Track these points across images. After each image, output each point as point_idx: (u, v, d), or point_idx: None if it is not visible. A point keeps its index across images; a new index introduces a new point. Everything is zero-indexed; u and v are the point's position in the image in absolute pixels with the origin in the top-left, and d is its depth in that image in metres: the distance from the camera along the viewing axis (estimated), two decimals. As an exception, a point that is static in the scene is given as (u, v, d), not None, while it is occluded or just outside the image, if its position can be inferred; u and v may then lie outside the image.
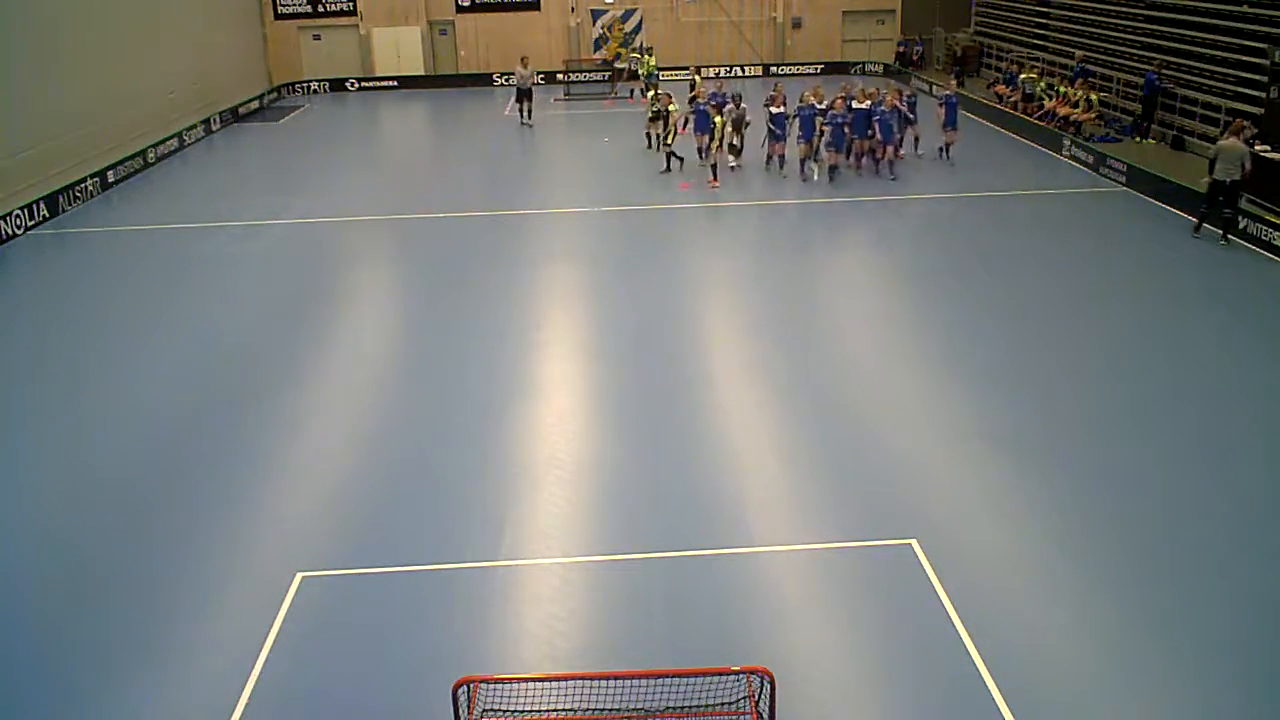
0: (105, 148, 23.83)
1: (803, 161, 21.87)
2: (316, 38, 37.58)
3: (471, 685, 6.48)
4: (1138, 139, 23.73)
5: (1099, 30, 28.26)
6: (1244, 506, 9.53)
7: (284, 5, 36.88)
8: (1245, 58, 21.60)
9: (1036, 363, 12.74)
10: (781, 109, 21.83)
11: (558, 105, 33.34)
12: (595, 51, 37.90)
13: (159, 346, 14.03)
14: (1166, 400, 11.66)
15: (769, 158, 22.38)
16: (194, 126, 28.83)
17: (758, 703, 6.47)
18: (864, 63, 38.19)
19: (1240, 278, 15.71)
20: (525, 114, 29.04)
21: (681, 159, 22.99)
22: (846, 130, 21.40)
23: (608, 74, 36.60)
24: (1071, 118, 24.68)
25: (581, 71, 37.11)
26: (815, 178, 21.45)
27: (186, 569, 8.99)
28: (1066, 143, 23.49)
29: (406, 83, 37.29)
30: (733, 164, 22.28)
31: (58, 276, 17.56)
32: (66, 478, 10.61)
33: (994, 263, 16.55)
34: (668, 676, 6.51)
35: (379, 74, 37.57)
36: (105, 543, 9.44)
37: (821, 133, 21.46)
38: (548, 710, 6.59)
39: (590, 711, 6.53)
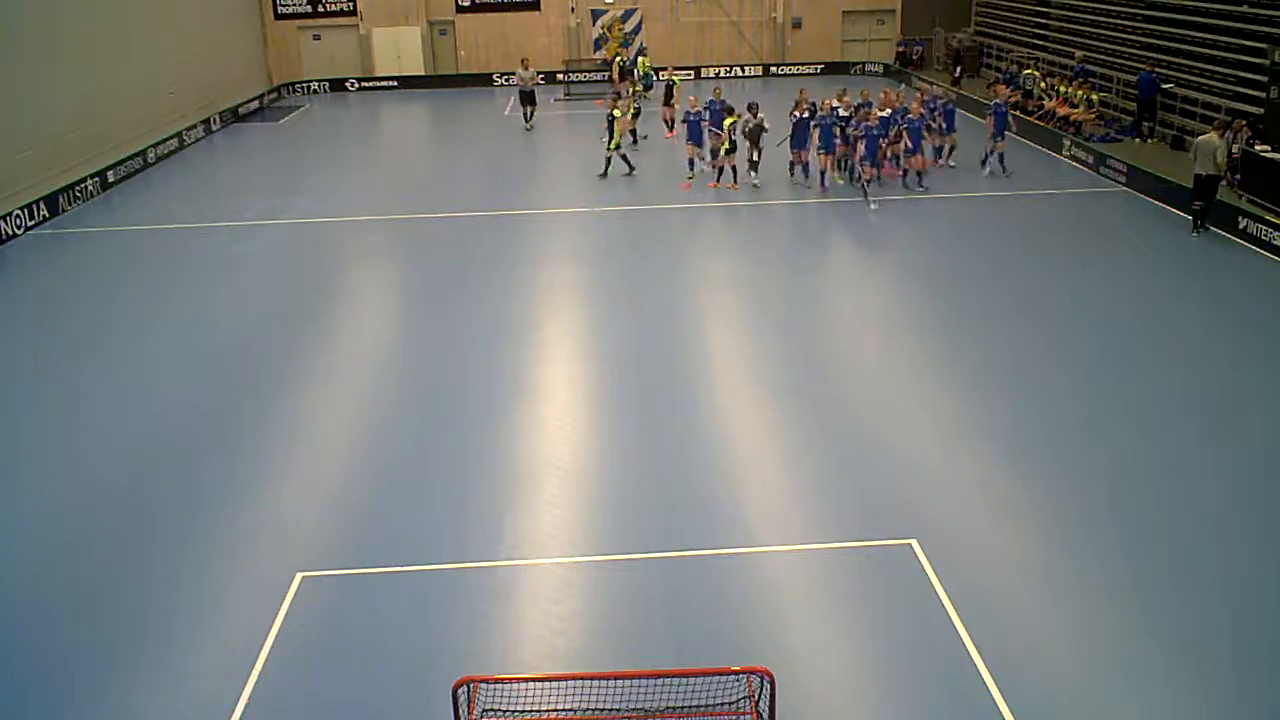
0: (105, 148, 23.83)
1: (822, 173, 20.75)
2: (316, 38, 37.58)
3: (471, 685, 6.48)
4: (1138, 139, 23.72)
5: (1099, 30, 28.26)
6: (1244, 506, 9.53)
7: (284, 5, 36.88)
8: (1245, 58, 21.60)
9: (1037, 362, 12.74)
10: (804, 115, 20.86)
11: (558, 105, 33.34)
12: (595, 51, 37.88)
13: (159, 347, 14.04)
14: (1166, 400, 11.66)
15: (792, 165, 21.52)
16: (194, 126, 28.83)
17: (758, 703, 6.47)
18: (864, 63, 38.19)
19: (1240, 277, 15.71)
20: (527, 117, 28.77)
21: (632, 167, 22.48)
22: (882, 143, 20.46)
23: (608, 74, 36.57)
24: (1071, 118, 24.67)
25: (582, 71, 37.10)
26: (870, 205, 19.51)
27: (186, 569, 8.99)
28: (1066, 143, 23.49)
29: (406, 83, 37.28)
30: (754, 180, 20.91)
31: (58, 276, 17.56)
32: (66, 477, 10.62)
33: (994, 262, 16.55)
34: (668, 676, 6.51)
35: (379, 74, 37.56)
36: (105, 542, 9.45)
37: (835, 141, 20.30)
38: (548, 710, 6.60)
39: (590, 711, 6.53)
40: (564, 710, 6.57)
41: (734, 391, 12.28)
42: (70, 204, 21.50)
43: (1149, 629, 7.96)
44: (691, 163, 21.90)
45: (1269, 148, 18.34)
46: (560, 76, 36.87)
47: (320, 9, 37.11)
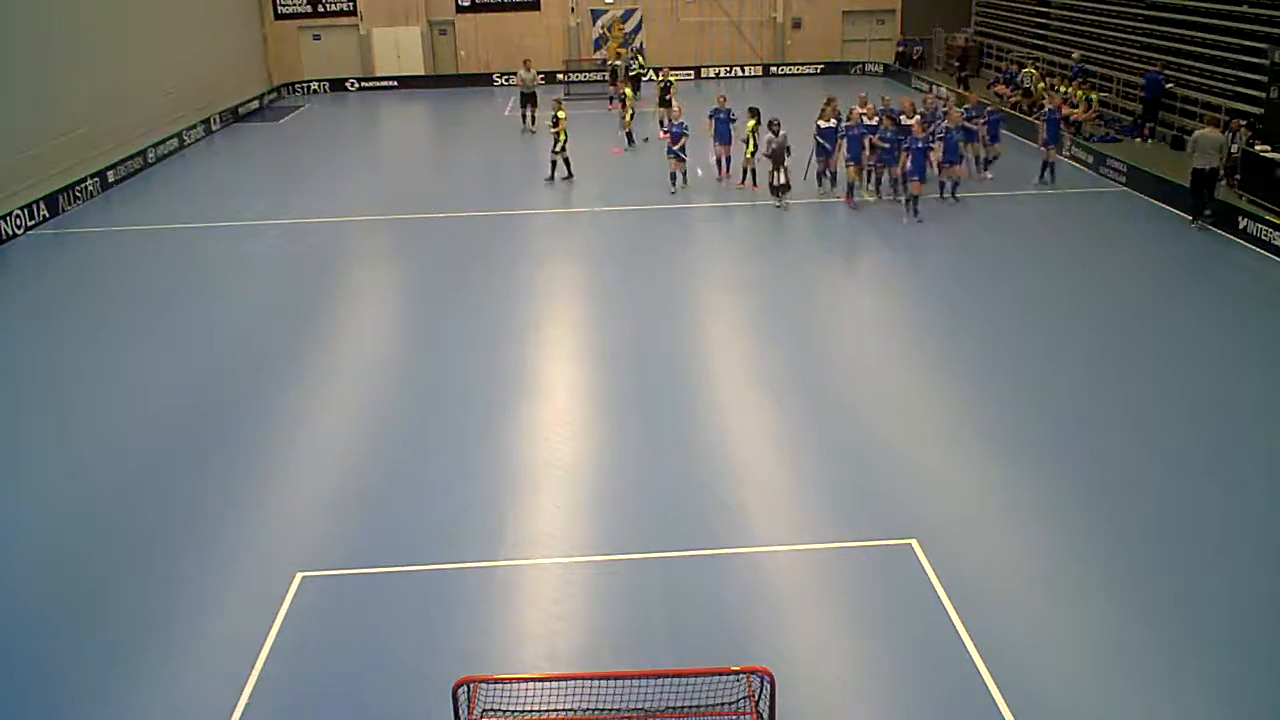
0: (105, 148, 23.83)
1: (851, 186, 19.61)
2: (316, 38, 37.57)
3: (471, 685, 6.48)
4: (1139, 139, 23.72)
5: (1099, 30, 28.26)
6: (1243, 506, 9.53)
7: (284, 5, 36.88)
8: (1245, 58, 21.60)
9: (1036, 362, 12.74)
10: (832, 123, 19.77)
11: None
12: (595, 51, 37.88)
13: (159, 346, 14.04)
14: (1166, 400, 11.66)
15: (820, 175, 20.42)
16: (194, 126, 28.83)
17: (758, 703, 6.47)
18: (864, 63, 38.19)
19: (1240, 278, 15.70)
20: (529, 120, 28.50)
21: (570, 173, 22.09)
22: (898, 153, 19.03)
23: (608, 74, 36.58)
24: (1071, 118, 24.66)
25: (582, 72, 37.09)
26: (905, 220, 18.48)
27: (187, 569, 9.00)
28: (1066, 142, 23.48)
29: (406, 83, 37.27)
30: (778, 204, 19.26)
31: (58, 276, 17.56)
32: (66, 478, 10.62)
33: (994, 262, 16.55)
34: (668, 676, 6.51)
35: (379, 74, 37.56)
36: (105, 543, 9.45)
37: (866, 150, 19.21)
38: (548, 710, 6.60)
39: (590, 711, 6.53)
40: (564, 710, 6.58)
41: (734, 391, 12.28)
42: (70, 204, 21.50)
43: (1149, 628, 7.95)
44: (674, 177, 20.88)
45: (1269, 148, 18.34)
46: (560, 76, 36.87)
47: (320, 9, 37.11)
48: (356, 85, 37.37)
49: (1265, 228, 16.61)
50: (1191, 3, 24.23)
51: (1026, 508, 9.62)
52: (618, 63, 33.42)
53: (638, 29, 38.09)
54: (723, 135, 20.97)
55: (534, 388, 12.54)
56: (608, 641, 7.98)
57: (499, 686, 6.81)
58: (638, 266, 16.85)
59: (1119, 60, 26.65)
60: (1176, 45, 24.23)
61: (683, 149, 20.58)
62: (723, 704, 6.67)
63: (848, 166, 19.51)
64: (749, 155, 20.57)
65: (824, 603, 8.44)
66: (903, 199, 18.97)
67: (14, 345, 14.47)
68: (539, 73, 30.55)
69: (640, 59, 34.47)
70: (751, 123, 20.40)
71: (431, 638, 8.04)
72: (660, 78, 27.97)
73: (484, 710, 6.69)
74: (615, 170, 23.26)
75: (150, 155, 25.69)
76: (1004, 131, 21.67)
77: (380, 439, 11.32)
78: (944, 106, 21.00)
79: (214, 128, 30.23)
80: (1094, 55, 27.93)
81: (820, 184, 20.47)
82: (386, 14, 37.20)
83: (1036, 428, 11.07)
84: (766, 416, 11.64)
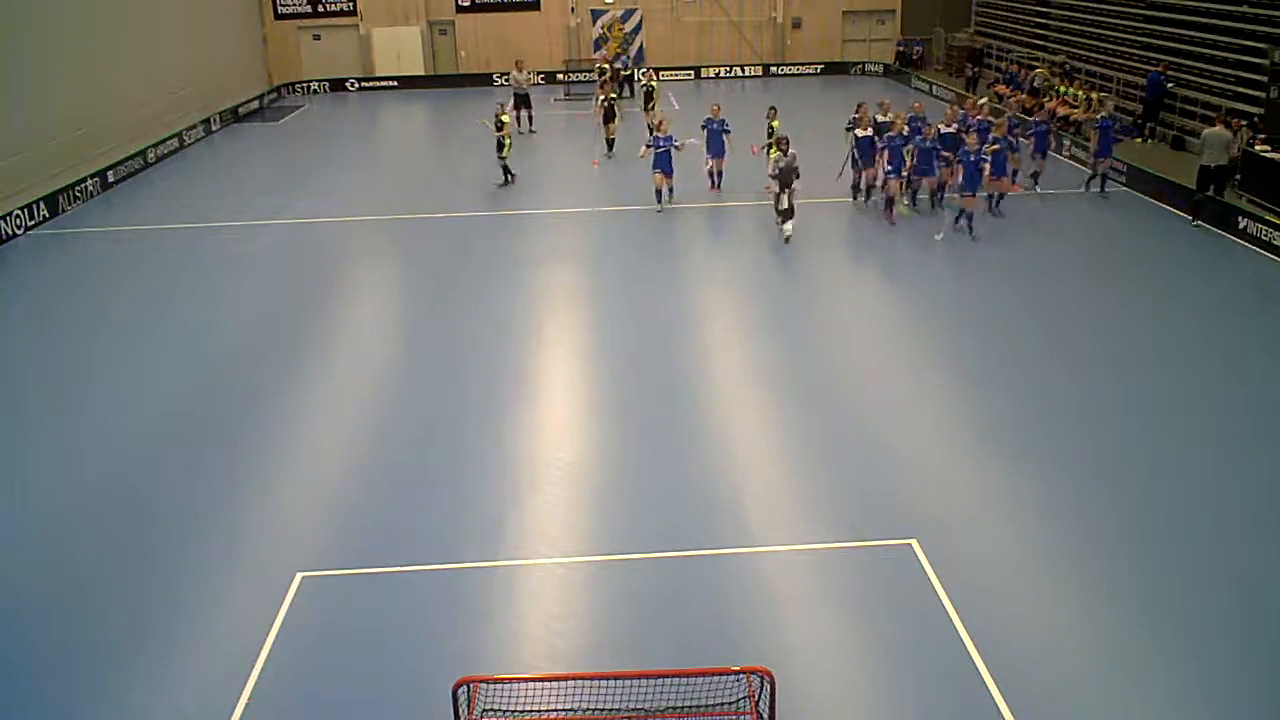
0: (105, 148, 23.82)
1: (890, 200, 18.58)
2: (316, 38, 37.57)
3: (471, 685, 6.48)
4: (1139, 139, 23.72)
5: (1099, 30, 28.27)
6: (1245, 505, 9.53)
7: (284, 5, 36.87)
8: (1245, 58, 21.61)
9: (1037, 362, 12.74)
10: (868, 132, 18.84)
11: (558, 106, 33.32)
12: (595, 52, 37.86)
13: (159, 346, 14.03)
14: (1167, 399, 11.66)
15: (855, 189, 19.56)
16: (194, 126, 28.82)
17: (758, 703, 6.47)
18: (864, 63, 38.19)
19: (1240, 277, 15.71)
20: (528, 121, 28.29)
21: (512, 177, 21.75)
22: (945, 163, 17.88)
23: (596, 77, 36.59)
24: (1071, 118, 24.67)
25: (581, 72, 37.09)
26: (939, 236, 17.50)
27: (187, 569, 9.00)
28: (1066, 142, 23.48)
29: (406, 83, 37.27)
30: (786, 232, 17.43)
31: (58, 276, 17.56)
32: (66, 478, 10.61)
33: (992, 262, 16.53)
34: (668, 676, 6.51)
35: (379, 74, 37.55)
36: (106, 543, 9.45)
37: (910, 161, 18.19)
38: (548, 710, 6.60)
39: (590, 711, 6.53)
40: (564, 710, 6.58)
41: (734, 391, 12.28)
42: (70, 204, 21.50)
43: (1150, 628, 7.96)
44: (659, 194, 19.50)
45: (1269, 148, 18.35)
46: (560, 77, 36.87)
47: (320, 9, 37.10)
48: (356, 85, 37.36)
49: (1265, 228, 16.61)
50: (1191, 3, 24.23)
51: (1027, 508, 9.62)
52: (605, 65, 32.22)
53: (637, 29, 38.09)
54: (715, 147, 19.92)
55: (534, 387, 12.54)
56: (608, 641, 7.98)
57: (499, 686, 6.81)
58: (638, 266, 16.84)
59: (1119, 60, 26.66)
60: (1176, 45, 24.24)
61: (669, 164, 19.22)
62: (723, 704, 6.67)
63: (888, 179, 18.40)
64: (771, 153, 19.86)
65: (824, 603, 8.44)
66: (953, 215, 17.74)
67: (14, 345, 14.46)
68: (537, 73, 30.44)
69: (626, 56, 34.18)
70: (776, 123, 20.00)
71: (431, 638, 8.04)
72: (643, 82, 27.11)
73: (484, 710, 6.69)
74: (614, 169, 23.19)
75: (150, 155, 25.68)
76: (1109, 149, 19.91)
77: (380, 439, 11.32)
78: (975, 115, 19.75)
79: (214, 128, 30.23)
80: (1094, 55, 27.95)
81: (856, 197, 19.61)
82: (386, 14, 37.20)
83: (1037, 427, 11.07)
84: (767, 416, 11.64)
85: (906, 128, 18.47)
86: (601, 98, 24.12)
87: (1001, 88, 29.69)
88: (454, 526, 9.52)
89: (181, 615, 8.39)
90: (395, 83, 37.28)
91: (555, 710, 6.59)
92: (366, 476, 10.49)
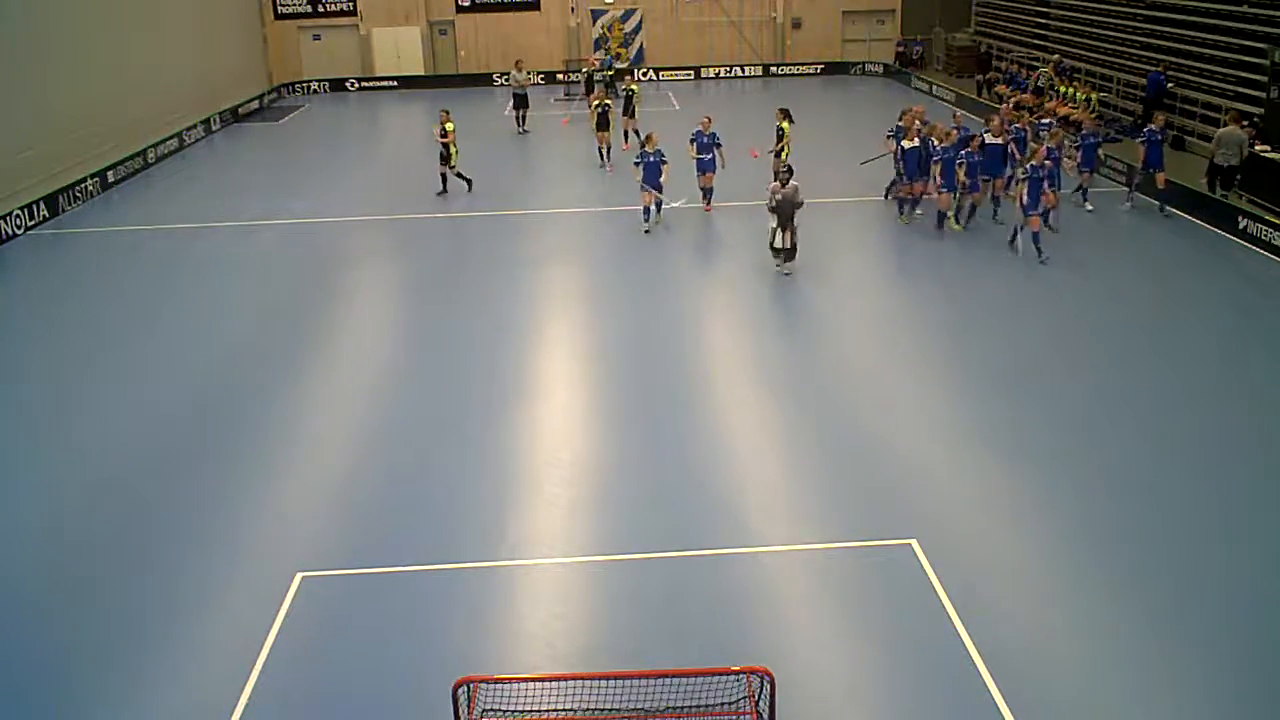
0: (105, 148, 23.82)
1: (941, 215, 17.68)
2: (316, 38, 37.58)
3: (471, 685, 6.47)
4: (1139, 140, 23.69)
5: (1099, 30, 28.26)
6: (1246, 505, 9.52)
7: (284, 5, 36.88)
8: (1245, 58, 21.60)
9: (1037, 362, 12.74)
10: (915, 144, 17.98)
11: (558, 105, 33.31)
12: (595, 51, 37.85)
13: (158, 346, 14.03)
14: (1167, 399, 11.66)
15: (901, 203, 18.52)
16: (194, 126, 28.82)
17: (758, 703, 6.47)
18: (864, 63, 38.20)
19: (1240, 278, 15.70)
20: (521, 121, 28.36)
21: (446, 187, 21.04)
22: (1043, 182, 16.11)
23: (609, 75, 36.56)
24: (1071, 118, 24.65)
25: (581, 72, 37.05)
26: (1019, 253, 16.38)
27: (186, 569, 8.99)
28: (1066, 143, 23.44)
29: (406, 83, 37.28)
30: (783, 269, 15.87)
31: (58, 276, 17.56)
32: (66, 477, 10.61)
33: (992, 263, 16.52)
34: (668, 676, 6.51)
35: (379, 74, 37.56)
36: (105, 543, 9.45)
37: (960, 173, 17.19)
38: (548, 710, 6.59)
39: (590, 711, 6.53)
40: (564, 710, 6.57)
41: (734, 391, 12.28)
42: (70, 204, 21.50)
43: (1150, 629, 7.95)
44: (647, 211, 18.30)
45: (1269, 148, 18.35)
46: (560, 76, 36.86)
47: (320, 9, 37.11)
48: (356, 85, 37.37)
49: (1265, 228, 16.61)
50: (1191, 3, 24.23)
51: (1027, 508, 9.62)
52: (592, 69, 31.49)
53: (638, 29, 38.10)
54: (705, 163, 18.84)
55: (534, 387, 12.54)
56: (608, 641, 7.98)
57: (499, 686, 6.81)
58: (639, 266, 16.83)
59: (1119, 60, 26.65)
60: (1176, 45, 24.23)
61: (657, 179, 17.96)
62: (723, 704, 6.67)
63: (939, 194, 17.54)
64: (784, 157, 19.51)
65: (824, 602, 8.43)
66: (1022, 238, 16.42)
67: (14, 345, 14.46)
68: (536, 73, 30.34)
69: (610, 57, 34.07)
70: (786, 124, 19.73)
71: (431, 638, 8.04)
72: (624, 86, 26.12)
73: (484, 710, 6.69)
74: (614, 170, 23.16)
75: (150, 155, 25.69)
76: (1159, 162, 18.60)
77: (380, 439, 11.31)
78: (1007, 124, 18.91)
79: (214, 128, 30.23)
80: (1094, 55, 27.94)
81: (902, 212, 18.57)
82: (386, 14, 37.21)
83: (1037, 427, 11.06)
84: (766, 416, 11.64)
85: (944, 140, 17.69)
86: (596, 103, 23.58)
87: (1002, 88, 29.69)
88: (454, 526, 9.52)
89: (181, 615, 8.38)
90: (395, 83, 37.30)
91: (555, 710, 6.58)
92: (366, 476, 10.49)
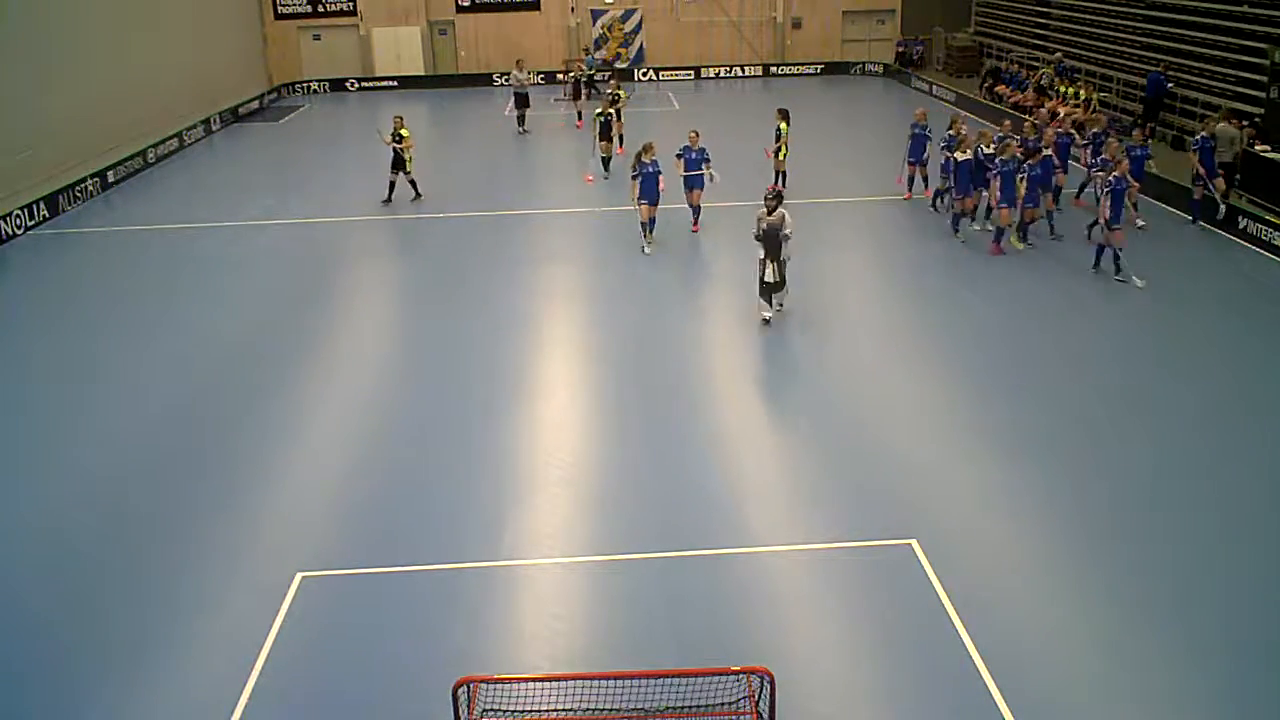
0: (105, 148, 23.83)
1: (1000, 231, 16.65)
2: (316, 38, 37.58)
3: (471, 685, 6.47)
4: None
5: (1099, 30, 28.27)
6: (1245, 505, 9.52)
7: (284, 5, 36.88)
8: (1245, 58, 21.61)
9: (1037, 362, 12.74)
10: (968, 156, 16.90)
11: (558, 105, 33.30)
12: (595, 51, 37.85)
13: (159, 346, 14.03)
14: (1167, 399, 11.66)
15: (957, 219, 17.43)
16: (194, 126, 28.82)
17: (758, 703, 6.47)
18: (864, 63, 38.20)
19: (1239, 278, 15.69)
20: (520, 121, 28.30)
21: (417, 194, 20.62)
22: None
23: (608, 74, 36.57)
24: (1072, 118, 24.64)
25: (569, 75, 37.06)
26: (1136, 282, 14.91)
27: (186, 569, 8.99)
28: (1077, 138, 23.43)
29: (406, 83, 37.27)
30: (767, 314, 13.92)
31: (58, 276, 17.56)
32: (66, 478, 10.61)
33: (992, 264, 16.52)
34: (668, 676, 6.51)
35: (379, 74, 37.56)
36: (105, 543, 9.44)
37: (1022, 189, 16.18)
38: (548, 710, 6.60)
39: (590, 711, 6.53)
40: (564, 710, 6.57)
41: (734, 391, 12.27)
42: (70, 204, 21.50)
43: (1150, 628, 7.95)
44: (645, 228, 17.35)
45: (1269, 148, 18.36)
46: (560, 77, 36.85)
47: (320, 9, 37.11)
48: (356, 85, 37.36)
49: (1265, 228, 16.61)
50: (1191, 3, 24.23)
51: (1027, 508, 9.62)
52: (578, 74, 30.59)
53: (638, 29, 38.11)
54: (692, 180, 17.62)
55: (534, 387, 12.54)
56: (608, 641, 7.98)
57: (499, 686, 6.81)
58: (638, 266, 16.83)
59: (1119, 60, 26.65)
60: (1176, 45, 24.24)
61: (655, 192, 16.99)
62: (723, 704, 6.67)
63: (1000, 209, 16.47)
64: (781, 158, 19.77)
65: (824, 603, 8.44)
66: (1106, 259, 15.54)
67: (14, 345, 14.46)
68: (537, 72, 30.27)
69: (593, 57, 34.01)
70: (784, 125, 19.57)
71: (431, 638, 8.04)
72: (609, 90, 24.70)
73: (484, 710, 6.69)
74: (613, 170, 23.14)
75: (150, 155, 25.69)
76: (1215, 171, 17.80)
77: (380, 439, 11.31)
78: (1051, 133, 18.20)
79: (214, 128, 30.23)
80: (1094, 55, 27.94)
81: (957, 229, 17.46)
82: (386, 14, 37.20)
83: (1037, 427, 11.06)
84: (766, 416, 11.64)
85: (990, 149, 16.79)
86: (599, 111, 22.93)
87: (1001, 87, 29.70)
88: (454, 526, 9.52)
89: (181, 615, 8.38)
90: (395, 83, 37.29)
91: (555, 710, 6.59)
92: (367, 476, 10.49)
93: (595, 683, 6.57)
